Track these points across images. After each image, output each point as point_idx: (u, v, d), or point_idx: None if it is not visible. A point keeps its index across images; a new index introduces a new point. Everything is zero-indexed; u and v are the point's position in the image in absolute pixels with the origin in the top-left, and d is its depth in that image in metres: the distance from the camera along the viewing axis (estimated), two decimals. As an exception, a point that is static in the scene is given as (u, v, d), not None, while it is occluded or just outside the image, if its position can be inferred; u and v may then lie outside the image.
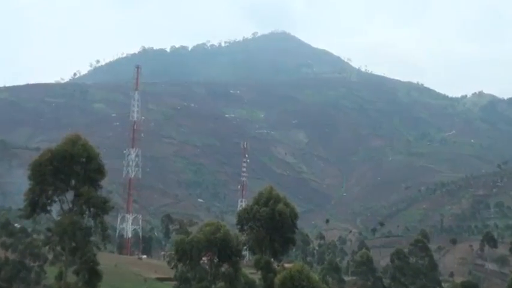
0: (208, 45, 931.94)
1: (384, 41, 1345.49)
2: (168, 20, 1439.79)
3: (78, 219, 53.19)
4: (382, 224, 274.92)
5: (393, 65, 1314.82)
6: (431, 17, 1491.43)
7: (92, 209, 53.86)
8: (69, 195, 54.05)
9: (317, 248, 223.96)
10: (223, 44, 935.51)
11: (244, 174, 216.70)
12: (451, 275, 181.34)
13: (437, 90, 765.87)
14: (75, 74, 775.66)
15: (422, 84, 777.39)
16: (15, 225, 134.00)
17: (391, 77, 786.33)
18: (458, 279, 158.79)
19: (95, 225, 54.69)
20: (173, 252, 74.54)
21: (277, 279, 54.66)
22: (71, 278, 54.31)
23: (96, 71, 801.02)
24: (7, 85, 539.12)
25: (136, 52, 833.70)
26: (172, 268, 76.32)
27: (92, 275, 53.32)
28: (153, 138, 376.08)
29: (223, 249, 64.54)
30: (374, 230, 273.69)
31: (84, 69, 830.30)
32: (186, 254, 66.00)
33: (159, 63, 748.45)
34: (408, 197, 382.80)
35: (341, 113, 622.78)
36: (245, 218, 69.83)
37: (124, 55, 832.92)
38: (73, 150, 53.40)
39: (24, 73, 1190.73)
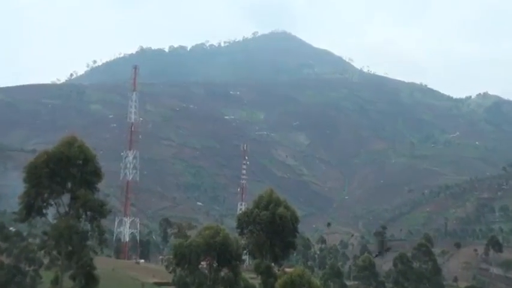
0: (208, 45, 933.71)
1: (387, 41, 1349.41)
2: (167, 19, 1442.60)
3: (75, 223, 53.20)
4: (384, 228, 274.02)
5: (396, 65, 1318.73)
6: (435, 16, 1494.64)
7: (88, 213, 53.88)
8: (66, 198, 54.06)
9: (318, 252, 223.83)
10: (222, 44, 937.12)
11: (244, 176, 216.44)
12: (455, 279, 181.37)
13: (441, 91, 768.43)
14: (71, 75, 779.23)
15: (425, 85, 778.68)
16: (10, 228, 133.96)
17: (394, 77, 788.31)
18: (463, 284, 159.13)
19: (91, 229, 54.69)
20: (171, 257, 74.58)
21: (277, 284, 54.54)
22: (67, 283, 54.26)
23: (93, 71, 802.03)
24: (2, 86, 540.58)
25: (134, 52, 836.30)
26: (170, 273, 76.44)
27: (88, 279, 53.27)
28: (151, 140, 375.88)
29: (223, 254, 64.53)
30: (376, 234, 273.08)
31: (80, 70, 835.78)
32: (184, 258, 65.98)
33: (157, 64, 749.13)
34: (411, 200, 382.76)
35: (343, 114, 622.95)
36: (245, 222, 69.84)
37: (121, 55, 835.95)
38: (69, 152, 53.42)
39: (19, 74, 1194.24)
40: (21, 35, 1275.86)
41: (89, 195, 53.23)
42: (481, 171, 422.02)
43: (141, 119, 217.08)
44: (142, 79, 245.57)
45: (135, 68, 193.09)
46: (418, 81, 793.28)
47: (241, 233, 70.50)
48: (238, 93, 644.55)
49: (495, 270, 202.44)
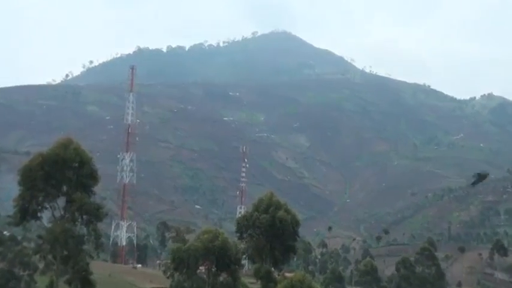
0: (206, 45, 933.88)
1: (389, 41, 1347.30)
2: (164, 18, 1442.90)
3: (70, 227, 53.27)
4: (387, 232, 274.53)
5: (398, 65, 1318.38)
6: (439, 14, 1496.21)
7: (84, 216, 53.96)
8: (61, 201, 54.13)
9: (319, 256, 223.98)
10: (221, 44, 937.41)
11: (244, 179, 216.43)
12: (459, 284, 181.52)
13: (444, 91, 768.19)
14: (67, 75, 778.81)
15: (428, 86, 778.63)
16: (4, 232, 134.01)
17: (396, 78, 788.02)
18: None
19: (87, 232, 54.77)
20: (169, 261, 74.58)
21: (277, 289, 54.63)
22: (62, 288, 54.25)
23: (89, 71, 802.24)
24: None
25: (131, 52, 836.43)
26: (168, 277, 76.21)
27: (84, 284, 53.34)
28: (148, 142, 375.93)
29: (222, 258, 64.59)
30: (379, 238, 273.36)
31: (76, 70, 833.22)
32: (182, 262, 66.05)
33: (155, 64, 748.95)
34: (414, 204, 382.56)
35: (344, 115, 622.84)
36: (244, 226, 69.98)
37: (118, 55, 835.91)
38: (65, 154, 53.48)
39: (14, 74, 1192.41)
40: (16, 35, 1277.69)
41: (85, 198, 53.31)
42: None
43: (138, 120, 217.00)
44: (140, 80, 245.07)
45: (132, 68, 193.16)
46: (421, 82, 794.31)
47: (240, 237, 70.64)
48: (237, 94, 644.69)
49: (500, 275, 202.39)
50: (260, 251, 68.49)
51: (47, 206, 54.22)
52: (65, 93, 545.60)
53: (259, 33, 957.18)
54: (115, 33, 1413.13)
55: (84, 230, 54.76)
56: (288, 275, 67.14)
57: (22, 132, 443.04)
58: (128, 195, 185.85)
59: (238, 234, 71.01)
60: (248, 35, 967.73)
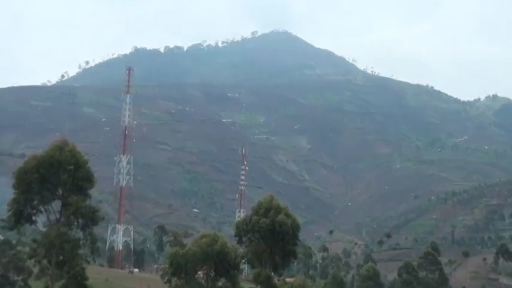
0: (205, 45, 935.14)
1: (391, 41, 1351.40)
2: (162, 18, 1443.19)
3: (66, 231, 53.27)
4: (389, 236, 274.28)
5: (401, 66, 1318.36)
6: (442, 14, 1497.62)
7: (80, 220, 53.96)
8: (56, 205, 54.12)
9: (320, 261, 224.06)
10: (220, 44, 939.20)
11: (243, 182, 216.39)
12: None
13: (448, 93, 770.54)
14: (62, 76, 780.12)
15: (432, 87, 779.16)
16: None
17: (399, 79, 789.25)
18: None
19: (83, 237, 54.78)
20: (167, 266, 74.53)
21: (277, 295, 54.68)
22: (57, 293, 54.26)
23: (85, 72, 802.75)
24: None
25: (128, 52, 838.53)
26: (166, 283, 76.08)
27: (80, 290, 53.32)
28: (145, 145, 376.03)
29: (221, 263, 64.58)
30: (381, 242, 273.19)
31: (72, 71, 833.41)
32: (180, 267, 65.99)
33: (153, 65, 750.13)
34: (417, 207, 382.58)
35: (346, 117, 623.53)
36: (243, 230, 69.86)
37: (115, 56, 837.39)
38: (60, 157, 53.52)
39: (8, 75, 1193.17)
40: (10, 35, 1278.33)
41: (80, 201, 53.33)
42: (490, 176, 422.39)
43: (135, 122, 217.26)
44: (137, 81, 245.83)
45: (129, 69, 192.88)
46: (424, 83, 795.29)
47: (239, 241, 70.50)
48: (236, 95, 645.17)
49: (505, 280, 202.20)
50: (260, 255, 68.39)
51: (42, 209, 54.25)
52: (61, 94, 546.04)
53: (259, 33, 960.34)
54: (112, 33, 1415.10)
55: (80, 234, 54.76)
56: (288, 280, 67.18)
57: (17, 134, 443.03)
58: (124, 199, 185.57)
59: (237, 239, 70.86)
60: (248, 35, 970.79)
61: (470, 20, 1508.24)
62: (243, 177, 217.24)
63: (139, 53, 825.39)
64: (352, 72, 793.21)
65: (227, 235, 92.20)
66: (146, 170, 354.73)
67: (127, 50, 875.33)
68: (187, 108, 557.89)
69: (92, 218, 54.07)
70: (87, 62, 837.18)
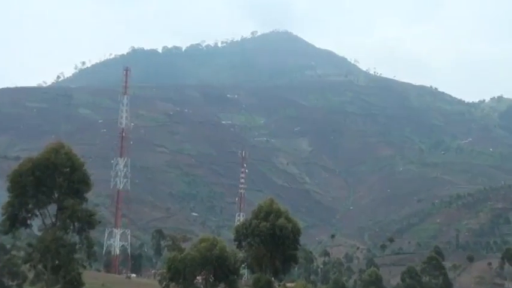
0: (204, 45, 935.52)
1: (394, 41, 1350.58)
2: (160, 17, 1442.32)
3: (62, 235, 53.24)
4: (392, 240, 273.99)
5: (404, 66, 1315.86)
6: (446, 14, 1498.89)
7: (76, 224, 53.94)
8: (52, 208, 54.09)
9: (321, 266, 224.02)
10: (219, 44, 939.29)
11: (243, 185, 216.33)
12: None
13: (452, 94, 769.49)
14: (58, 77, 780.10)
15: (436, 88, 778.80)
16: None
17: (402, 80, 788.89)
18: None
19: (79, 241, 54.74)
20: (165, 271, 74.43)
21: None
22: (53, 298, 54.20)
23: (82, 73, 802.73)
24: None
25: (125, 53, 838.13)
26: (163, 288, 76.24)
27: (76, 295, 53.25)
28: (143, 147, 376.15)
29: (220, 268, 64.54)
30: (383, 247, 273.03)
31: (68, 72, 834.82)
32: (179, 272, 65.96)
33: (150, 65, 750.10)
34: (421, 211, 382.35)
35: (347, 119, 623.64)
36: (243, 234, 69.90)
37: (112, 56, 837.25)
38: (56, 159, 53.50)
39: (2, 75, 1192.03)
40: (4, 34, 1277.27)
41: (76, 205, 53.30)
42: (496, 179, 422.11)
43: (132, 124, 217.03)
44: (134, 81, 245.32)
45: (127, 69, 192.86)
46: (427, 84, 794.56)
47: (239, 246, 70.53)
48: (236, 96, 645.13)
49: (510, 286, 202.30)
50: (260, 260, 68.44)
51: (37, 213, 54.24)
52: (56, 95, 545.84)
53: (259, 33, 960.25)
54: (108, 33, 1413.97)
55: (76, 238, 54.74)
56: (289, 285, 67.18)
57: (11, 136, 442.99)
58: (121, 202, 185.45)
59: (236, 243, 70.92)
60: (247, 35, 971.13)
61: (474, 20, 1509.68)
62: (242, 180, 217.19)
63: (136, 53, 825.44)
64: (354, 73, 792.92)
65: (226, 239, 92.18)
66: (144, 172, 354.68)
67: (124, 50, 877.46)
68: (186, 110, 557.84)
69: (88, 221, 54.06)
70: (84, 63, 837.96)
